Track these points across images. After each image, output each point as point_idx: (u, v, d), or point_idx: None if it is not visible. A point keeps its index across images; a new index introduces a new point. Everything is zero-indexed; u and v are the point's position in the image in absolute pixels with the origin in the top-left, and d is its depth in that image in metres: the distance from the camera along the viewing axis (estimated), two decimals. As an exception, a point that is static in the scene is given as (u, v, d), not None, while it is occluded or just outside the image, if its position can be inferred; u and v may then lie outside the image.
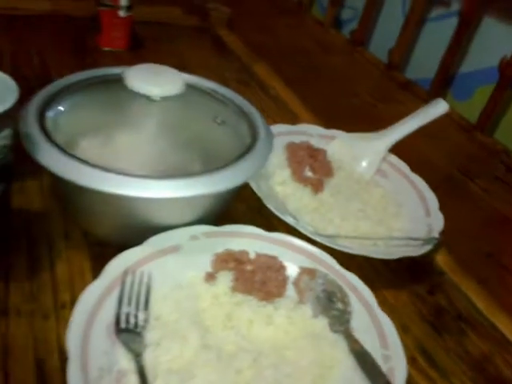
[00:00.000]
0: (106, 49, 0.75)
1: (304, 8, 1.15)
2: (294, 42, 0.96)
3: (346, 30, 1.08)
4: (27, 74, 0.64)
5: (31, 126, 0.38)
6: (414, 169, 0.56)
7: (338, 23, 1.12)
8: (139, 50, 0.77)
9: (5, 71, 0.39)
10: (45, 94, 0.43)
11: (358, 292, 0.39)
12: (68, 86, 0.45)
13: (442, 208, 0.51)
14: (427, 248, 0.45)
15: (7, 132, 0.34)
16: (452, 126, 0.77)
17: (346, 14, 1.12)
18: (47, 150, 0.36)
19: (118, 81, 0.44)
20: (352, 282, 0.39)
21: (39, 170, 0.39)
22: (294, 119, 0.66)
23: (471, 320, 0.44)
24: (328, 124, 0.61)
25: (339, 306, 0.38)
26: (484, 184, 0.64)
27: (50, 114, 0.41)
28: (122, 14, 0.72)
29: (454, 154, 0.70)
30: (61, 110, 0.43)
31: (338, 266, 0.41)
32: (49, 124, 0.39)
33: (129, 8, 0.72)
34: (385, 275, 0.46)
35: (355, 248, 0.43)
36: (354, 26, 1.04)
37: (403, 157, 0.57)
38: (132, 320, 0.34)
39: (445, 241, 0.48)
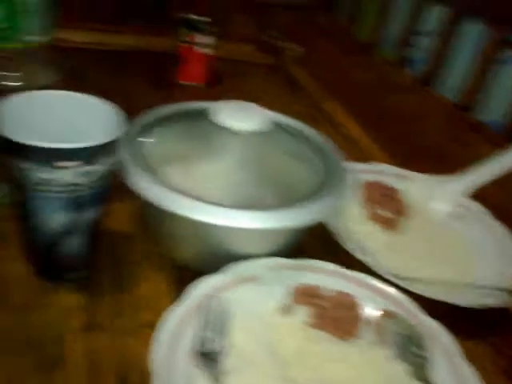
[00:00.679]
0: (185, 83, 0.79)
1: (373, 48, 1.17)
2: (362, 80, 0.97)
3: (415, 70, 1.08)
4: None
5: (127, 154, 0.41)
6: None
7: (406, 63, 1.13)
8: (215, 85, 0.81)
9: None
10: (138, 124, 0.46)
11: (436, 338, 0.38)
12: (158, 118, 0.48)
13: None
14: (510, 299, 0.43)
15: (113, 159, 0.36)
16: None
17: (414, 53, 1.13)
18: (141, 176, 0.39)
19: (205, 114, 0.47)
20: (431, 328, 0.38)
21: (125, 194, 0.41)
22: (364, 157, 0.66)
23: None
24: (398, 163, 0.60)
25: (417, 351, 0.37)
26: None
27: (142, 142, 0.44)
28: (201, 50, 0.77)
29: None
30: (152, 139, 0.46)
31: (416, 310, 0.40)
32: (141, 152, 0.43)
33: (208, 45, 0.77)
34: (463, 323, 0.43)
35: (432, 292, 0.42)
36: (422, 66, 1.04)
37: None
38: (212, 345, 0.35)
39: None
